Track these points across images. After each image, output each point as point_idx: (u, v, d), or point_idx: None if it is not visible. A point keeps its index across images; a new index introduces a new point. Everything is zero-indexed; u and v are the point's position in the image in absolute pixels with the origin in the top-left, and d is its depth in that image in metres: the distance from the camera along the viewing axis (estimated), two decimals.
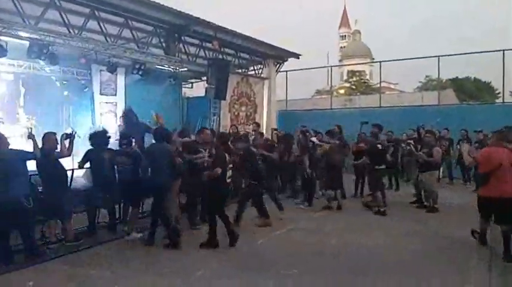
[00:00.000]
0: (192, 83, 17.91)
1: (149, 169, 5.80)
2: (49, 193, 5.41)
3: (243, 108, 14.57)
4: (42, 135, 5.53)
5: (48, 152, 5.32)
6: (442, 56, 15.13)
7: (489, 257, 5.22)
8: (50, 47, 8.60)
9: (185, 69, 12.22)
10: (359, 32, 79.80)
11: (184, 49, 12.75)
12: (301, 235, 6.38)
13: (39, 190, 5.50)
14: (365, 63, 60.83)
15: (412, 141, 8.83)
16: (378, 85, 20.78)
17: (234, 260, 5.13)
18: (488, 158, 5.39)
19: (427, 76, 34.70)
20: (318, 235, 6.34)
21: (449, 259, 5.14)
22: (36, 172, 5.43)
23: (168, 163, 5.65)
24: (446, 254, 5.34)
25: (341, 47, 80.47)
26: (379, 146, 8.01)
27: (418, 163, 8.21)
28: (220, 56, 13.25)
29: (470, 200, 8.91)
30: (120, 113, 12.11)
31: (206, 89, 12.04)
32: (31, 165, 5.31)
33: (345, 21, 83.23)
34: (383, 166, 8.01)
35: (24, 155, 5.17)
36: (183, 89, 16.56)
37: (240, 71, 15.50)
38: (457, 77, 32.67)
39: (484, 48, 18.78)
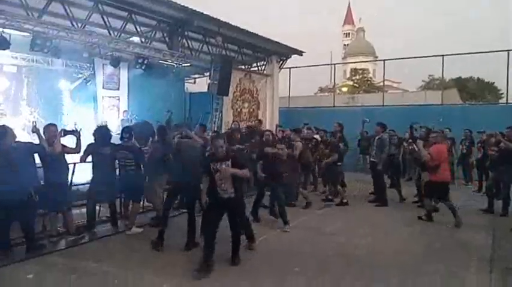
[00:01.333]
0: (195, 78, 17.90)
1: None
2: (50, 185, 5.40)
3: (246, 105, 14.53)
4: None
5: (50, 144, 5.32)
6: (446, 55, 15.07)
7: (490, 258, 5.21)
8: (53, 40, 8.61)
9: (188, 64, 12.22)
10: (363, 30, 79.54)
11: (188, 44, 12.72)
12: (302, 232, 6.36)
13: (41, 183, 5.50)
14: (368, 61, 60.68)
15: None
16: (381, 84, 20.73)
17: None
18: (439, 153, 6.88)
19: (430, 75, 34.70)
20: (319, 233, 6.34)
21: (450, 260, 5.12)
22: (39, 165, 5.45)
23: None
24: (448, 255, 5.33)
25: (345, 45, 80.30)
26: (340, 144, 8.78)
27: (420, 162, 8.17)
28: (224, 52, 13.22)
29: (472, 200, 8.95)
30: (123, 108, 12.17)
31: (209, 84, 12.04)
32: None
33: (349, 19, 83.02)
34: (340, 163, 8.55)
35: (32, 148, 5.20)
36: (185, 84, 16.58)
37: (242, 67, 15.46)
38: (460, 76, 32.60)
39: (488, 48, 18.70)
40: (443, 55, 15.00)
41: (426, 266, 4.87)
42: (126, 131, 6.22)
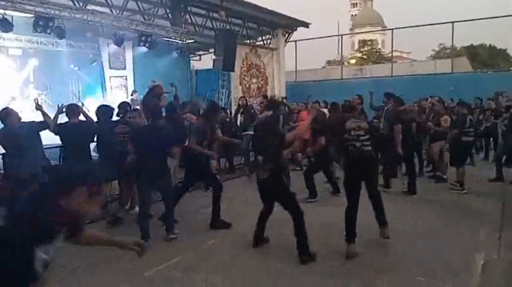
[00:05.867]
0: (200, 55, 17.75)
1: None
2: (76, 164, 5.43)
3: (254, 80, 14.42)
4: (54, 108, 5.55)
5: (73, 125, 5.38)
6: (456, 22, 14.67)
7: (499, 226, 5.20)
8: (55, 21, 8.56)
9: (192, 40, 12.08)
10: None
11: (191, 20, 12.55)
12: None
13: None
14: (376, 31, 59.30)
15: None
16: (390, 54, 20.33)
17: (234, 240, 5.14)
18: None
19: (440, 44, 33.87)
20: (325, 209, 6.34)
21: (460, 228, 5.13)
22: (49, 146, 5.49)
23: None
24: (457, 224, 5.33)
25: (352, 15, 78.46)
26: None
27: (428, 133, 8.08)
28: (228, 27, 13.02)
29: (481, 169, 8.88)
30: (130, 87, 12.15)
31: (214, 60, 11.93)
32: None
33: None
34: None
35: (36, 126, 5.18)
36: (191, 61, 16.45)
37: (248, 41, 15.25)
38: (471, 44, 31.80)
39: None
40: (453, 22, 14.61)
41: (436, 235, 4.89)
42: (121, 106, 6.10)
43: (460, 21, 14.96)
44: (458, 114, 7.42)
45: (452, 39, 15.50)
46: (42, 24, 8.40)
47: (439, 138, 7.64)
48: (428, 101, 8.83)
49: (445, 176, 7.67)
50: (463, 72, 15.93)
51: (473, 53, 30.03)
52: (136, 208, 5.94)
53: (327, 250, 4.35)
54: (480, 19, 15.53)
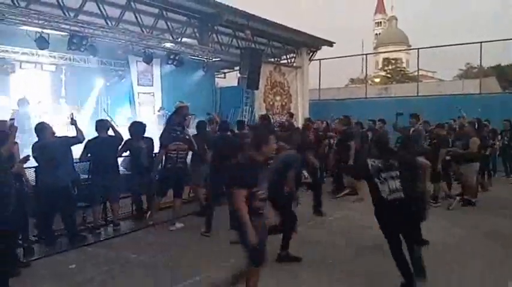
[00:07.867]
0: (224, 73, 18.00)
1: None
2: (98, 175, 5.63)
3: (278, 98, 14.50)
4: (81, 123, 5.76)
5: (102, 139, 5.58)
6: (484, 42, 14.41)
7: None
8: (88, 39, 8.90)
9: (218, 59, 12.29)
10: (395, 18, 77.20)
11: (217, 39, 12.81)
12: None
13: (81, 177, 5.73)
14: (401, 50, 58.78)
15: None
16: (415, 73, 20.10)
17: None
18: None
19: (467, 63, 33.24)
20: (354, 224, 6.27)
21: (491, 255, 4.96)
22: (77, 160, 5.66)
23: None
24: (488, 250, 5.15)
25: (376, 34, 78.26)
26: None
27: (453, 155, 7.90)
28: (253, 45, 13.20)
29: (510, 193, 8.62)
30: (157, 103, 12.42)
31: (238, 79, 12.10)
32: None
33: (380, 7, 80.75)
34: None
35: (68, 141, 5.37)
36: (215, 79, 16.71)
37: (272, 60, 15.40)
38: (499, 64, 31.10)
39: None
40: (481, 42, 14.36)
41: (465, 259, 4.74)
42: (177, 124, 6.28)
43: (488, 41, 14.69)
44: (438, 135, 7.53)
45: (480, 60, 15.23)
46: (76, 42, 8.75)
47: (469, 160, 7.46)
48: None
49: (473, 200, 7.45)
50: (491, 93, 15.56)
51: (502, 72, 29.33)
52: (177, 224, 6.01)
53: None
54: (509, 39, 15.22)
